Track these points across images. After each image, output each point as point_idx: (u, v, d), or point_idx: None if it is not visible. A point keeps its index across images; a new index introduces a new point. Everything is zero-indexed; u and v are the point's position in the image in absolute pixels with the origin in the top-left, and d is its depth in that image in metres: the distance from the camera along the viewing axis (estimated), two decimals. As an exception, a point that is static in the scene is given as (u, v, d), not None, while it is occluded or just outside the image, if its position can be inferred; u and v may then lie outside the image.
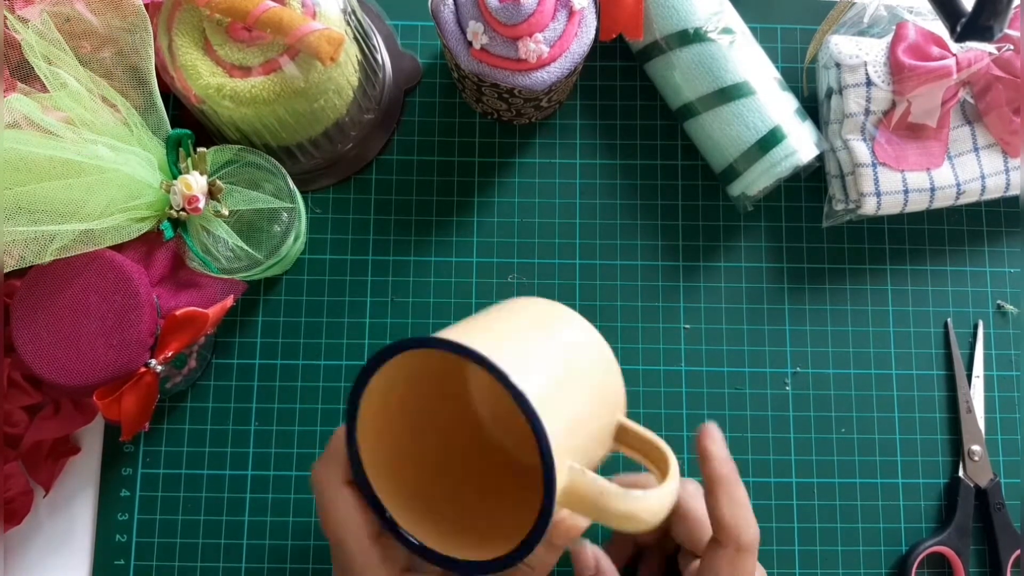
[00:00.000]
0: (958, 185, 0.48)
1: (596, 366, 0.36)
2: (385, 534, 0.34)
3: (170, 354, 0.42)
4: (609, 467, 0.49)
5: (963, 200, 0.49)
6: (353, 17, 0.45)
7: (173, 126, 0.44)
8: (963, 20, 0.37)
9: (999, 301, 0.52)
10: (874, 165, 0.48)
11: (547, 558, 0.35)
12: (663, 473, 0.34)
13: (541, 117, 0.52)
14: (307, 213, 0.51)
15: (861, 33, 0.49)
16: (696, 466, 0.39)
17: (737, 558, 0.36)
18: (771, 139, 0.47)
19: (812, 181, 0.52)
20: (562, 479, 0.30)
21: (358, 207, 0.52)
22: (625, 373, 0.39)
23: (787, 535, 0.49)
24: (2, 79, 0.42)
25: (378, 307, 0.51)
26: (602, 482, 0.30)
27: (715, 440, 0.37)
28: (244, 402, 0.49)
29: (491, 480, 0.40)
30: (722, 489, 0.37)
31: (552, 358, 0.34)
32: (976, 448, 0.49)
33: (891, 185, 0.48)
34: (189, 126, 0.45)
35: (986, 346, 0.51)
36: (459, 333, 0.32)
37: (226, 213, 0.43)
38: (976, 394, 0.50)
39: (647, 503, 0.31)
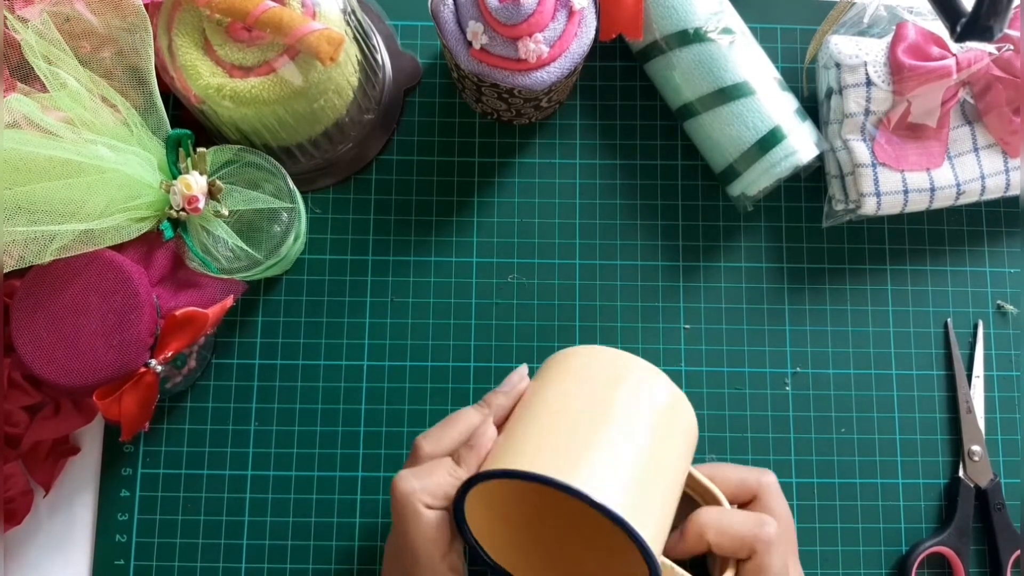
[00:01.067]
0: (958, 185, 0.48)
1: (681, 432, 0.39)
2: (452, 552, 0.37)
3: (170, 354, 0.42)
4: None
5: (963, 200, 0.49)
6: (353, 17, 0.45)
7: (173, 126, 0.44)
8: (963, 20, 0.37)
9: (999, 301, 0.52)
10: (874, 165, 0.48)
11: None
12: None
13: (541, 117, 0.52)
14: (307, 213, 0.51)
15: (861, 33, 0.49)
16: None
17: (769, 499, 0.39)
18: (771, 139, 0.47)
19: (812, 181, 0.52)
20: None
21: (358, 207, 0.52)
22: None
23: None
24: (2, 79, 0.42)
25: (378, 307, 0.51)
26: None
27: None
28: (244, 402, 0.49)
29: (576, 537, 0.42)
30: (713, 472, 0.40)
31: (645, 457, 0.36)
32: (976, 448, 0.49)
33: (891, 185, 0.48)
34: (189, 126, 0.45)
35: (986, 346, 0.51)
36: (554, 453, 0.35)
37: (226, 213, 0.43)
38: (976, 394, 0.50)
39: None
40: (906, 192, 0.48)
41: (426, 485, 0.37)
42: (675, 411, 0.39)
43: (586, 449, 0.35)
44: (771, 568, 0.36)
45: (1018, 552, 0.48)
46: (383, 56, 0.52)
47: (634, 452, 0.36)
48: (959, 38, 0.38)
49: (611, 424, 0.36)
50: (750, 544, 0.36)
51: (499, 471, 0.35)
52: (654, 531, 0.34)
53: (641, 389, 0.38)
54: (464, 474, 0.37)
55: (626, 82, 0.53)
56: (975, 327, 0.51)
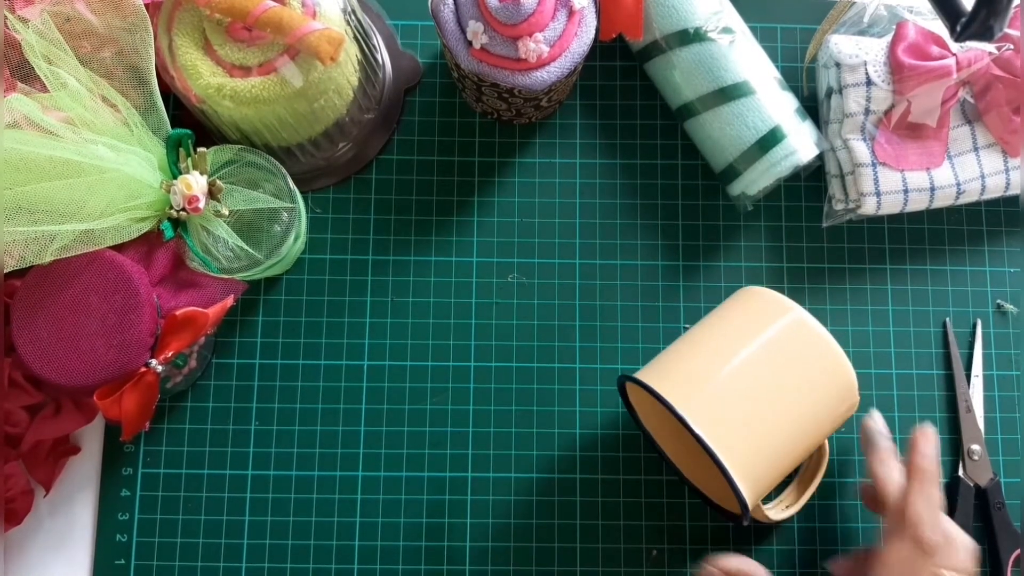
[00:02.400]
0: (958, 185, 0.48)
1: (827, 388, 0.43)
2: None
3: (170, 354, 0.42)
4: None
5: (963, 200, 0.49)
6: (353, 17, 0.45)
7: (173, 126, 0.44)
8: (963, 20, 0.37)
9: (999, 301, 0.52)
10: (874, 165, 0.48)
11: None
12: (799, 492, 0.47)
13: (541, 117, 0.52)
14: (307, 213, 0.51)
15: (861, 33, 0.49)
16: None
17: (910, 553, 0.39)
18: (771, 139, 0.47)
19: (812, 181, 0.52)
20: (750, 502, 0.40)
21: (358, 207, 0.52)
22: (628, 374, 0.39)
23: (787, 535, 0.49)
24: (2, 79, 0.42)
25: (378, 307, 0.51)
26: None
27: (928, 439, 0.42)
28: (244, 402, 0.49)
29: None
30: (917, 481, 0.41)
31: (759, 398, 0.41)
32: (976, 447, 0.49)
33: (891, 185, 0.48)
34: (189, 126, 0.45)
35: (985, 346, 0.51)
36: (675, 375, 0.42)
37: (226, 213, 0.43)
38: (975, 394, 0.50)
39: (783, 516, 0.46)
40: (906, 192, 0.48)
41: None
42: (816, 362, 0.42)
43: (695, 375, 0.41)
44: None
45: (1018, 551, 0.48)
46: (383, 56, 0.52)
47: (747, 388, 0.41)
48: (959, 38, 0.38)
49: (735, 359, 0.42)
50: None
51: (627, 375, 0.43)
52: (745, 456, 0.39)
53: (784, 334, 0.43)
54: None
55: (626, 82, 0.53)
56: (974, 326, 0.51)
